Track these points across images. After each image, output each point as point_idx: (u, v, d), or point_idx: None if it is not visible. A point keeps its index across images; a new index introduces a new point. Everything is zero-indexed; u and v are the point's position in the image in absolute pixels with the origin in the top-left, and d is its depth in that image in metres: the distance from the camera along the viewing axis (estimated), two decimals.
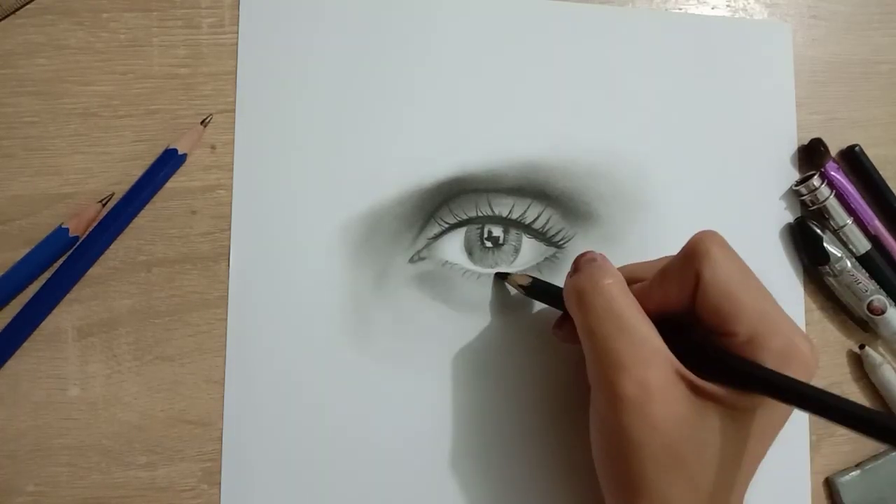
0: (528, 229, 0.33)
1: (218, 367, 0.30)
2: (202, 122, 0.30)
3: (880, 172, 0.37)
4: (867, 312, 0.35)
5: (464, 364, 0.31)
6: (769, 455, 0.25)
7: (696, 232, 0.26)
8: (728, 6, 0.37)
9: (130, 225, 0.29)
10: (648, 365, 0.24)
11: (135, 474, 0.29)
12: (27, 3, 0.29)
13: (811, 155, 0.36)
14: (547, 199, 0.33)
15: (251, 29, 0.31)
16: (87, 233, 0.29)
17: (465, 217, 0.32)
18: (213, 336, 0.30)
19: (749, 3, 0.37)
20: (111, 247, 0.29)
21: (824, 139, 0.36)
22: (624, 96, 0.35)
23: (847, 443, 0.36)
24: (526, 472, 0.31)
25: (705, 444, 0.24)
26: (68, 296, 0.29)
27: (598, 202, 0.33)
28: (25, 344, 0.28)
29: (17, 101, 0.29)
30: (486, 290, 0.32)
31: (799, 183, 0.36)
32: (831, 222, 0.35)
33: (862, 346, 0.36)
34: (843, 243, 0.35)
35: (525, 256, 0.32)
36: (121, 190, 0.29)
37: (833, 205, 0.35)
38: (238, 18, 0.31)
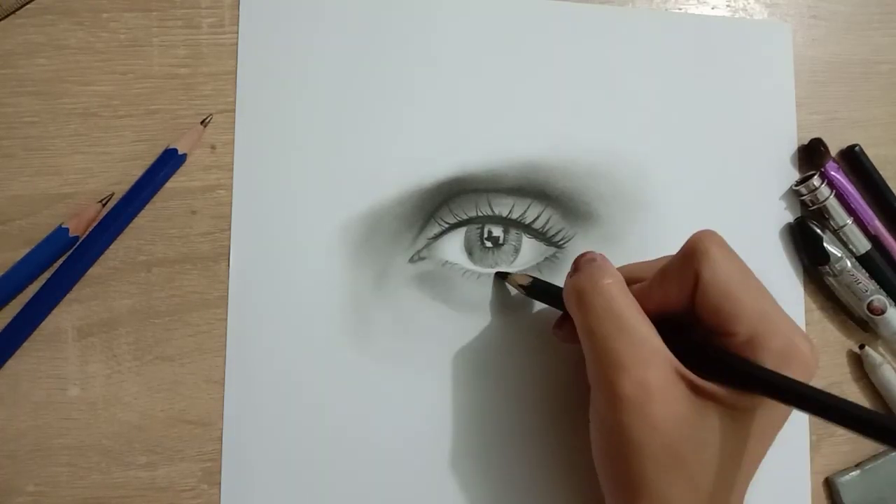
0: (528, 229, 0.33)
1: (218, 367, 0.30)
2: (202, 122, 0.30)
3: (880, 172, 0.37)
4: (867, 312, 0.35)
5: (464, 364, 0.31)
6: (769, 455, 0.25)
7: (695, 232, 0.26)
8: (728, 6, 0.37)
9: (130, 225, 0.29)
10: (648, 365, 0.24)
11: (135, 474, 0.29)
12: (27, 3, 0.29)
13: (811, 155, 0.36)
14: (547, 199, 0.33)
15: (251, 29, 0.31)
16: (87, 233, 0.29)
17: (465, 217, 0.32)
18: (213, 336, 0.30)
19: (749, 3, 0.37)
20: (111, 247, 0.29)
21: (824, 139, 0.36)
22: (624, 96, 0.35)
23: (847, 443, 0.36)
24: (526, 472, 0.31)
25: (705, 443, 0.24)
26: (68, 296, 0.29)
27: (598, 202, 0.33)
28: (25, 344, 0.28)
29: (17, 101, 0.29)
30: (486, 290, 0.32)
31: (799, 183, 0.36)
32: (831, 222, 0.35)
33: (862, 346, 0.36)
34: (843, 243, 0.35)
35: (525, 256, 0.32)
36: (121, 190, 0.29)
37: (833, 205, 0.35)
38: (238, 18, 0.31)
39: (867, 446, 0.36)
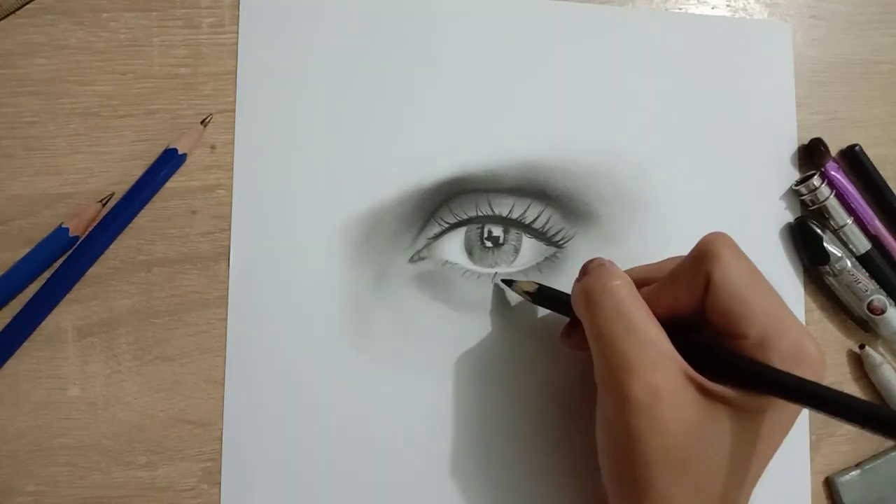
0: (528, 229, 0.33)
1: (218, 367, 0.30)
2: (202, 122, 0.30)
3: (880, 172, 0.37)
4: (867, 312, 0.35)
5: (464, 364, 0.31)
6: None
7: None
8: (728, 6, 0.37)
9: (130, 225, 0.29)
10: (657, 367, 0.24)
11: (135, 474, 0.29)
12: (27, 3, 0.29)
13: (811, 155, 0.36)
14: (547, 199, 0.33)
15: (251, 29, 0.31)
16: (87, 233, 0.29)
17: (465, 217, 0.32)
18: (213, 336, 0.30)
19: (749, 3, 0.37)
20: (111, 247, 0.29)
21: (824, 139, 0.36)
22: (624, 96, 0.35)
23: (847, 442, 0.36)
24: (526, 472, 0.31)
25: (714, 446, 0.23)
26: (68, 296, 0.29)
27: (598, 202, 0.33)
28: (25, 344, 0.28)
29: (17, 101, 0.29)
30: (486, 290, 0.32)
31: (799, 183, 0.36)
32: (831, 222, 0.35)
33: (862, 346, 0.36)
34: (843, 243, 0.35)
35: (525, 256, 0.32)
36: (121, 190, 0.29)
37: (833, 205, 0.35)
38: (238, 18, 0.31)
39: (867, 446, 0.36)
